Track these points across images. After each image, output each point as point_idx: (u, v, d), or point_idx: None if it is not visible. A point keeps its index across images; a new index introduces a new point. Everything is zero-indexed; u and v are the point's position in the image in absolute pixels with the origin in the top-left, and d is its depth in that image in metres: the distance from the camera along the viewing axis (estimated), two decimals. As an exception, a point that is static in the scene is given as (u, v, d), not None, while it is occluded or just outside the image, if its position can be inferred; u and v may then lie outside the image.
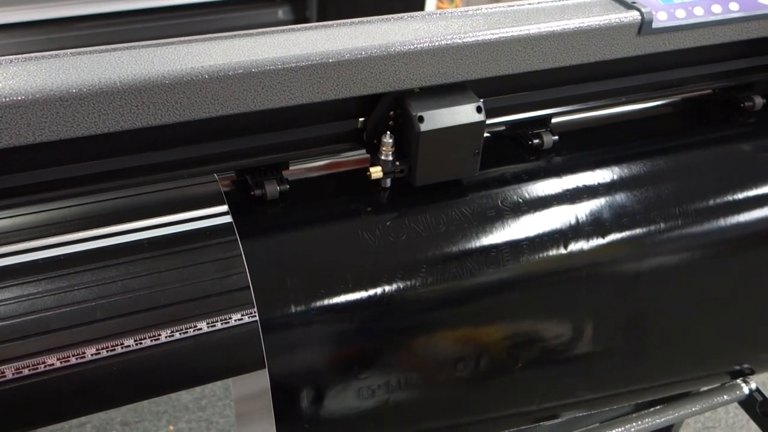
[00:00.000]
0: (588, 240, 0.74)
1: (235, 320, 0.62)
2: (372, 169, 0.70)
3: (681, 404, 0.99)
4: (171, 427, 1.80)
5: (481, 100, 0.69)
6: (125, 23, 1.82)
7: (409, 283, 0.67)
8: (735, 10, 0.76)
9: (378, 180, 0.70)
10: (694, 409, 1.00)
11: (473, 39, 0.66)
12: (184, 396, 1.85)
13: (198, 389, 1.84)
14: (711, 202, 0.79)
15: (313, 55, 0.62)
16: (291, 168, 0.72)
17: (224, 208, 0.67)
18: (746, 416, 1.04)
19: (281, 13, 1.94)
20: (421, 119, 0.66)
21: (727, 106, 0.89)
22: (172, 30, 1.85)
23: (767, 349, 0.97)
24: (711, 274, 0.83)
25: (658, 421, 0.98)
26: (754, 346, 0.96)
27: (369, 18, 0.70)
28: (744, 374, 0.99)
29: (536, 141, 0.78)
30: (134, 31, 1.82)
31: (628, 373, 0.87)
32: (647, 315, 0.82)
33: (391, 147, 0.69)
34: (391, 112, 0.69)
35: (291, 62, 0.61)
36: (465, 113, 0.68)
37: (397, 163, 0.70)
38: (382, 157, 0.70)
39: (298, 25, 0.68)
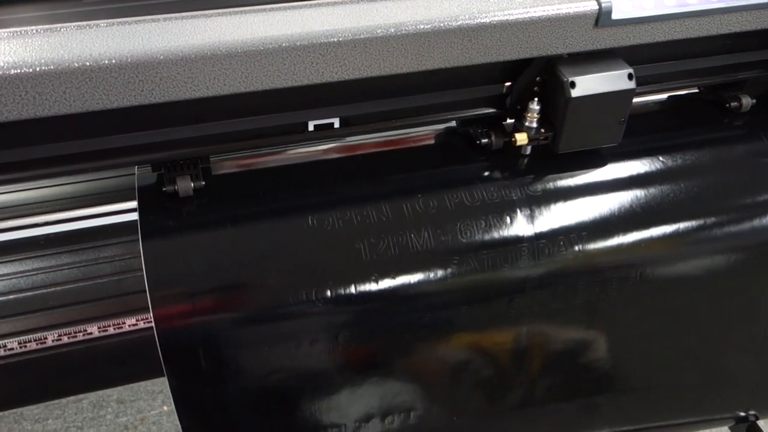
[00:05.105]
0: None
1: (129, 325, 0.58)
2: (518, 136, 0.69)
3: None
4: (165, 407, 1.80)
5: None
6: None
7: (320, 290, 0.62)
8: (714, 0, 0.68)
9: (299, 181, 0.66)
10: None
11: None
12: (181, 377, 1.85)
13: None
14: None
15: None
16: (213, 162, 0.68)
17: (135, 204, 0.63)
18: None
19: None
20: (573, 85, 0.65)
21: (712, 106, 0.81)
22: (171, 7, 1.82)
23: None
24: (704, 307, 0.76)
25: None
26: (759, 392, 0.88)
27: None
28: (748, 420, 0.91)
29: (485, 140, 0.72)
30: (137, 9, 1.80)
31: (627, 416, 0.82)
32: (646, 359, 0.77)
33: (537, 114, 0.69)
34: (537, 78, 0.68)
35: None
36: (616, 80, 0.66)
37: (542, 130, 0.69)
38: (527, 124, 0.69)
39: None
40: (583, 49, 0.66)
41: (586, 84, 0.65)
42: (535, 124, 0.69)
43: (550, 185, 0.68)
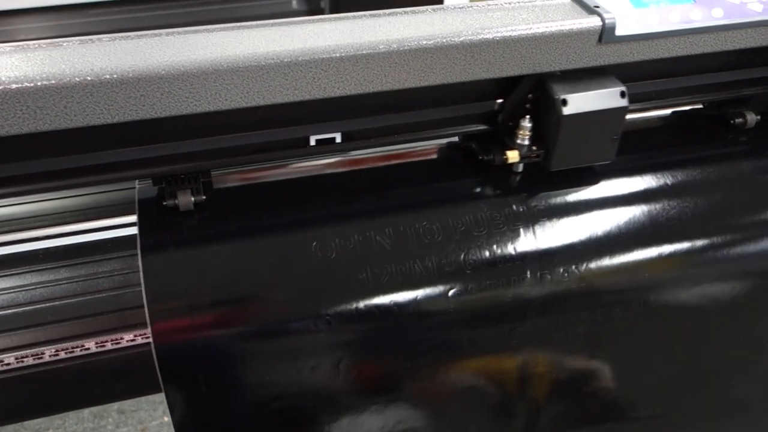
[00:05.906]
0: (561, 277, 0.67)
1: (127, 341, 0.58)
2: (509, 154, 0.68)
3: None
4: (166, 418, 1.79)
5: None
6: (136, 10, 1.81)
7: (322, 309, 0.62)
8: (718, 17, 0.68)
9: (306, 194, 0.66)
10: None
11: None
12: (182, 388, 1.84)
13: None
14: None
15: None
16: (214, 176, 0.68)
17: (135, 218, 0.63)
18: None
19: (295, 3, 1.90)
20: (564, 102, 0.64)
21: (715, 122, 0.80)
22: (183, 18, 1.83)
23: None
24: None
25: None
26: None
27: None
28: None
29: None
30: (145, 19, 1.81)
31: None
32: (652, 383, 0.76)
33: (529, 131, 0.67)
34: (529, 95, 0.67)
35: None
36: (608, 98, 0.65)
37: (534, 147, 0.68)
38: (518, 141, 0.68)
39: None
40: (586, 65, 0.66)
41: (578, 102, 0.64)
42: (527, 142, 0.68)
43: (547, 202, 0.68)
